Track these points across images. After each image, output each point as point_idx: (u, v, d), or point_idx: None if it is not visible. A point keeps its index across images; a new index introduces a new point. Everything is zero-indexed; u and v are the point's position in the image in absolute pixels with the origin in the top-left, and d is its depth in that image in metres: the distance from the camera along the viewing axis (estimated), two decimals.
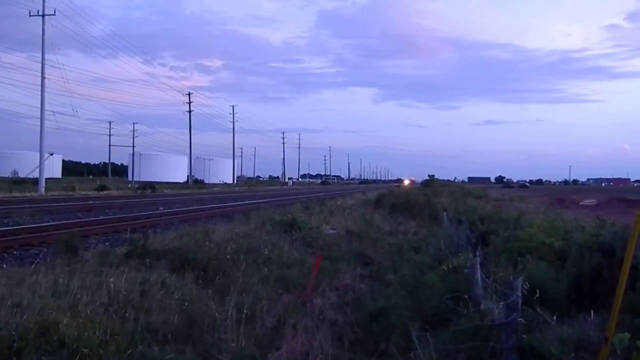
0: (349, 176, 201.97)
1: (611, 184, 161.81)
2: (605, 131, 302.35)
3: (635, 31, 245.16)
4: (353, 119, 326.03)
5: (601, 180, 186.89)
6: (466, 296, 6.11)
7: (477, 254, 8.34)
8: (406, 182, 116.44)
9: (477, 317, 5.60)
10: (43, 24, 42.81)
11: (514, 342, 5.08)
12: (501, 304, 5.42)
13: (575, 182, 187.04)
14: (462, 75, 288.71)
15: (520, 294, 5.45)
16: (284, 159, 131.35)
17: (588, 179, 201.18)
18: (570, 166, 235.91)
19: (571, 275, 7.15)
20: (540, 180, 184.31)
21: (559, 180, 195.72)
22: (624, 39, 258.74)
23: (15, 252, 11.64)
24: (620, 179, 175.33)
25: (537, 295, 5.79)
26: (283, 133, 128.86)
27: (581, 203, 34.64)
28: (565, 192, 58.07)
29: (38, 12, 42.93)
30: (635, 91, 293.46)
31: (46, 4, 43.00)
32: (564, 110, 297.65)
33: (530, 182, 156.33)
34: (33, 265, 7.77)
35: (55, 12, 43.42)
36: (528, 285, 5.84)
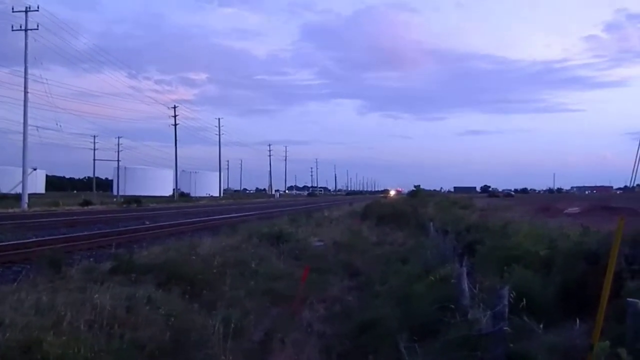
0: (335, 187, 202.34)
1: (594, 191, 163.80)
2: (587, 140, 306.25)
3: (614, 42, 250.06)
4: (339, 130, 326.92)
5: (585, 188, 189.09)
6: (454, 306, 6.12)
7: (464, 263, 8.38)
8: (392, 192, 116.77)
9: (465, 327, 5.61)
10: (26, 38, 42.52)
11: (502, 351, 5.10)
12: (488, 313, 5.45)
13: (559, 190, 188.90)
14: (446, 87, 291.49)
15: (507, 303, 5.48)
16: (270, 171, 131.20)
17: (572, 187, 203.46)
18: (554, 174, 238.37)
19: (557, 283, 7.21)
20: (526, 189, 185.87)
21: (544, 189, 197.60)
22: (602, 50, 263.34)
23: None
24: (603, 186, 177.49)
25: (524, 303, 5.82)
26: (269, 145, 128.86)
27: (565, 211, 34.96)
28: (549, 201, 58.63)
29: (21, 27, 42.65)
30: (614, 100, 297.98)
31: (29, 19, 42.76)
32: (547, 120, 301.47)
33: (516, 191, 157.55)
34: (16, 283, 7.64)
35: (38, 26, 43.16)
36: (514, 293, 5.87)
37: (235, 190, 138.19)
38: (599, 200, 50.63)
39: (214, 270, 9.16)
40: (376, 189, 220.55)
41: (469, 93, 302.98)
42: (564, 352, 5.16)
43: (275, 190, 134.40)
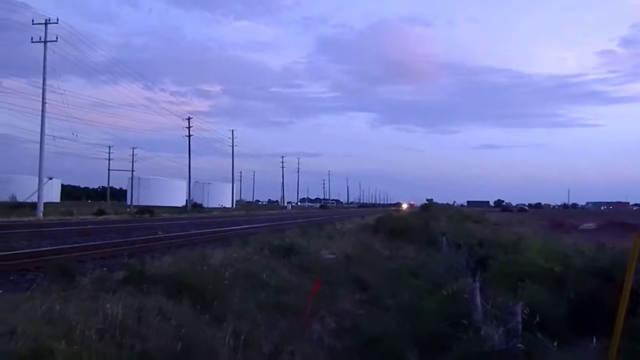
0: (347, 200, 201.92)
1: (610, 207, 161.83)
2: (604, 155, 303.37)
3: (629, 57, 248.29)
4: (352, 143, 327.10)
5: (600, 204, 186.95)
6: (465, 322, 6.06)
7: (477, 278, 8.30)
8: (404, 205, 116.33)
9: (477, 343, 5.55)
10: (45, 50, 43.25)
11: None
12: (501, 329, 5.38)
13: (574, 205, 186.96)
14: (460, 100, 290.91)
15: (520, 320, 5.42)
16: (283, 183, 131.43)
17: (587, 203, 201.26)
18: (569, 190, 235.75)
19: (571, 300, 7.11)
20: (540, 203, 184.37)
21: (558, 204, 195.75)
22: (618, 65, 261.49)
23: (11, 278, 11.54)
24: (620, 202, 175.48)
25: (537, 320, 5.75)
26: (282, 157, 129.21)
27: (580, 227, 34.58)
28: (564, 216, 57.98)
29: (40, 39, 43.44)
30: (631, 116, 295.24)
31: (48, 31, 43.56)
32: (562, 135, 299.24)
33: (529, 205, 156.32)
34: (29, 291, 7.69)
35: (57, 38, 43.94)
36: (528, 310, 5.80)
37: (248, 202, 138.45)
38: (615, 216, 49.98)
39: (225, 282, 9.15)
40: (388, 202, 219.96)
41: (483, 107, 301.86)
42: None
43: (288, 202, 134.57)
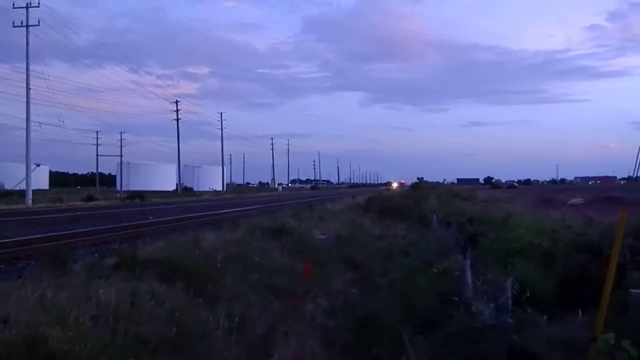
0: (338, 180, 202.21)
1: (598, 182, 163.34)
2: (591, 130, 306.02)
3: (616, 31, 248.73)
4: (341, 123, 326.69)
5: (588, 178, 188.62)
6: (456, 298, 6.15)
7: (467, 255, 8.39)
8: (395, 184, 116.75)
9: (468, 319, 5.64)
10: (27, 34, 42.47)
11: (505, 343, 5.12)
12: (491, 305, 5.47)
13: (563, 181, 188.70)
14: (448, 78, 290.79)
15: (510, 295, 5.50)
16: (273, 165, 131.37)
17: (575, 178, 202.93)
18: (557, 165, 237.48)
19: (559, 274, 7.23)
20: (529, 180, 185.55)
21: (547, 180, 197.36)
22: (605, 39, 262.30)
23: (2, 266, 11.50)
24: (607, 177, 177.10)
25: (527, 295, 5.84)
26: (272, 139, 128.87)
27: (568, 202, 34.94)
28: (553, 192, 58.55)
29: (22, 23, 42.60)
30: (617, 90, 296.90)
31: (30, 15, 42.72)
32: (550, 110, 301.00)
33: (519, 182, 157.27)
34: (20, 279, 7.67)
35: (39, 22, 43.13)
36: (517, 285, 5.89)
37: (238, 185, 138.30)
38: (603, 191, 50.53)
39: (218, 265, 9.18)
40: (379, 182, 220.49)
41: (472, 84, 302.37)
42: (566, 343, 5.18)
43: (278, 184, 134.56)
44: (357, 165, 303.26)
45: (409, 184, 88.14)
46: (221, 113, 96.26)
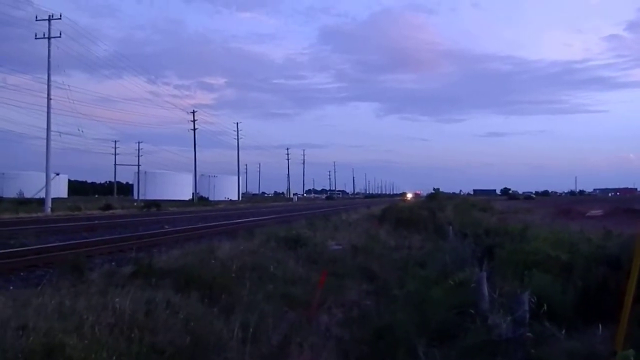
0: (353, 191, 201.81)
1: (618, 194, 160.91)
2: (610, 141, 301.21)
3: (636, 41, 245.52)
4: (356, 133, 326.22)
5: (608, 190, 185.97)
6: (473, 311, 6.08)
7: (483, 267, 8.30)
8: (409, 195, 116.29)
9: (484, 332, 5.57)
10: (49, 46, 43.34)
11: (522, 356, 5.04)
12: (508, 318, 5.39)
13: (581, 192, 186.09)
14: (464, 88, 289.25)
15: (527, 308, 5.43)
16: (288, 174, 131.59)
17: (594, 189, 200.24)
18: (576, 177, 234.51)
19: (578, 288, 7.11)
20: (547, 191, 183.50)
21: (565, 191, 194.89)
22: (624, 49, 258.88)
23: (21, 274, 11.67)
24: (627, 188, 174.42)
25: (545, 308, 5.75)
26: (287, 149, 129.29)
27: (587, 214, 34.43)
28: (571, 203, 57.79)
29: (44, 35, 43.51)
30: (637, 101, 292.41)
31: (52, 27, 43.59)
32: (568, 121, 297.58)
33: (536, 193, 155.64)
34: (39, 287, 7.77)
35: (60, 34, 43.99)
36: (535, 298, 5.81)
37: (254, 194, 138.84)
38: (623, 203, 49.73)
39: (233, 274, 9.21)
40: (394, 192, 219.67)
41: (488, 95, 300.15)
42: (586, 358, 5.08)
43: (294, 194, 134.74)
44: (373, 175, 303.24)
45: (425, 194, 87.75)
46: (237, 123, 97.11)
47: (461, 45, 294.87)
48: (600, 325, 5.59)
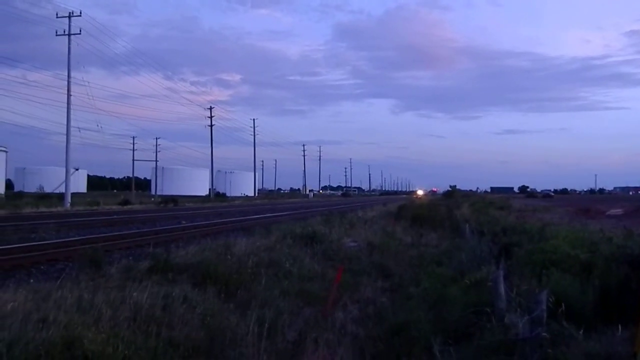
0: (369, 188, 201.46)
1: (639, 192, 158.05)
2: (631, 138, 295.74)
3: None
4: (372, 130, 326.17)
5: (628, 188, 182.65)
6: (489, 310, 6.03)
7: (501, 266, 8.22)
8: (420, 192, 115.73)
9: (501, 331, 5.52)
10: (69, 43, 43.96)
11: (539, 357, 4.99)
12: (526, 317, 5.34)
13: (601, 191, 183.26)
14: (480, 85, 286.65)
15: (545, 308, 5.36)
16: (304, 171, 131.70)
17: (615, 188, 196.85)
18: (595, 175, 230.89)
19: (597, 287, 7.00)
20: (566, 189, 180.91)
21: (585, 190, 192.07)
22: None
23: (42, 267, 11.87)
24: None
25: (563, 308, 5.68)
26: (303, 145, 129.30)
27: (607, 213, 33.88)
28: (591, 202, 56.92)
29: (64, 32, 44.09)
30: None
31: (72, 24, 44.17)
32: (587, 118, 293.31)
33: (555, 191, 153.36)
34: (59, 280, 7.90)
35: (80, 31, 44.55)
36: (553, 298, 5.74)
37: (270, 190, 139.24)
38: None
39: (249, 270, 9.26)
40: (410, 189, 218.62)
41: (505, 91, 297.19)
42: (604, 359, 5.01)
43: (310, 191, 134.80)
44: (389, 172, 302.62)
45: (441, 191, 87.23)
46: (254, 120, 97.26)
47: (477, 42, 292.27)
48: (619, 326, 5.50)
